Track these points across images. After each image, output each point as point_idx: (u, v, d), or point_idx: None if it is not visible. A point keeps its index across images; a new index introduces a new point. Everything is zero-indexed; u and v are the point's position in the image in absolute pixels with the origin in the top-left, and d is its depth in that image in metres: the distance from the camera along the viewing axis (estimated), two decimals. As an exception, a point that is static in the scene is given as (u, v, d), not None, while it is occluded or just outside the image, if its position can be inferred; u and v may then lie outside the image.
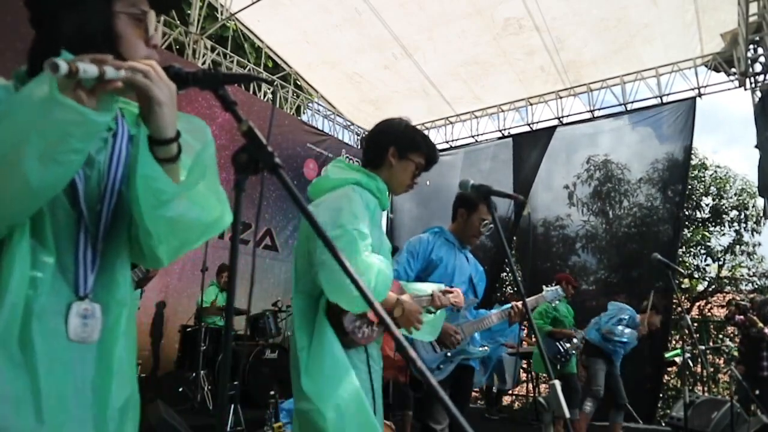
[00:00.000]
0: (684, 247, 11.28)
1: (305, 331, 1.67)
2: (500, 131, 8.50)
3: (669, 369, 8.22)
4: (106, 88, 0.81)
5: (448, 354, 2.60)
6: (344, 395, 1.55)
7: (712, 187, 11.71)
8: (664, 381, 8.97)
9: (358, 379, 1.62)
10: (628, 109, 7.41)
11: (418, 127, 2.11)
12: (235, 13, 7.06)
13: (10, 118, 0.77)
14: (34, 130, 0.76)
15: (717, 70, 6.74)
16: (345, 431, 1.53)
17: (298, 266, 1.79)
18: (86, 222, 0.92)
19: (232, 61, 7.61)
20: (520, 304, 2.63)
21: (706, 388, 8.55)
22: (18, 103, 0.79)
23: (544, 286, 3.09)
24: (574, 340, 5.09)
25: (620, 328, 4.83)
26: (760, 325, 5.78)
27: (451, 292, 2.18)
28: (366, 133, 9.49)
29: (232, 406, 3.94)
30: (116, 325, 0.95)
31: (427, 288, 2.11)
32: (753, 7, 5.82)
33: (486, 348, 2.77)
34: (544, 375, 7.61)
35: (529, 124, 8.22)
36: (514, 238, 8.78)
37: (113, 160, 0.96)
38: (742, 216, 11.30)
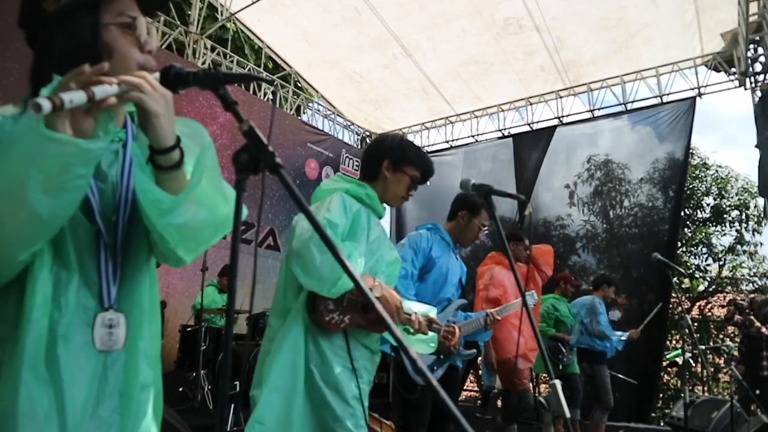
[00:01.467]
0: (685, 247, 11.26)
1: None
2: (500, 131, 8.48)
3: (669, 369, 8.22)
4: (101, 107, 0.80)
5: (441, 356, 2.60)
6: (280, 390, 1.78)
7: (713, 187, 11.69)
8: (664, 381, 8.97)
9: (337, 362, 1.76)
10: (628, 108, 7.39)
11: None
12: (235, 13, 7.06)
13: (7, 155, 0.78)
14: (32, 166, 0.76)
15: (717, 70, 6.73)
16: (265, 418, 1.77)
17: (278, 288, 1.91)
18: (104, 235, 0.94)
19: (232, 61, 7.60)
20: (494, 311, 2.79)
21: (706, 388, 8.55)
22: (14, 140, 0.79)
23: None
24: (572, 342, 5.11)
25: (616, 334, 4.95)
26: (758, 324, 5.79)
27: (437, 324, 2.12)
28: (366, 132, 9.50)
29: (233, 406, 3.94)
30: (139, 331, 0.98)
31: (413, 307, 2.02)
32: (753, 7, 5.80)
33: (474, 351, 2.81)
34: (544, 375, 7.60)
35: (529, 124, 8.20)
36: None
37: (124, 171, 0.97)
38: (743, 216, 11.28)
